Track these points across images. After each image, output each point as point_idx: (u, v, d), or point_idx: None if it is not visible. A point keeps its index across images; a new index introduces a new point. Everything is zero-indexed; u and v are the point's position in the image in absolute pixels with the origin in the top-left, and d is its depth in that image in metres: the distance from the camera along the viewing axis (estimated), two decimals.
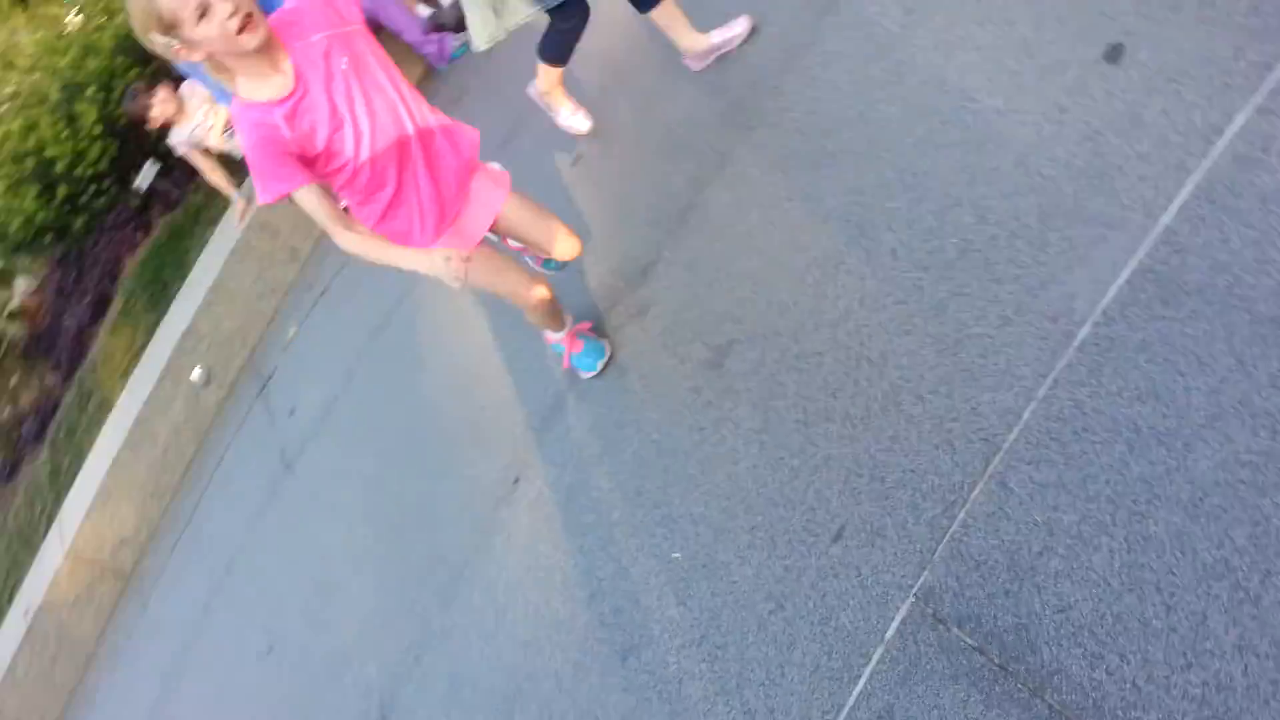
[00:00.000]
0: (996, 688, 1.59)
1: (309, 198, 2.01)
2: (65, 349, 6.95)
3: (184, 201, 6.42)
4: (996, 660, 1.62)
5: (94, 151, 6.06)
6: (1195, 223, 1.74)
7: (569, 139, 3.65)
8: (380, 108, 2.02)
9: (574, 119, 3.60)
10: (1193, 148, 1.83)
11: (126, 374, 5.79)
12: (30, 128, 5.99)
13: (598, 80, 3.74)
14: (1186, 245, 1.73)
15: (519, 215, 2.42)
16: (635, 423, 2.61)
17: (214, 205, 5.86)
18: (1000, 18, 2.35)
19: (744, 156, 2.84)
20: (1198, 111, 1.88)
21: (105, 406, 5.81)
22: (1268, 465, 1.46)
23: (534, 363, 3.13)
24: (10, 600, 5.46)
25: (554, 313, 2.70)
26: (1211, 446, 1.53)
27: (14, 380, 7.34)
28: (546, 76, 3.45)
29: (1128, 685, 1.46)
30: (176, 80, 5.18)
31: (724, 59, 3.19)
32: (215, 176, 5.34)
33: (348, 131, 1.98)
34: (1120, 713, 1.45)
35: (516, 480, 2.89)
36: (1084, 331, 1.79)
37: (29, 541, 5.77)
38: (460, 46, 5.05)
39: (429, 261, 2.10)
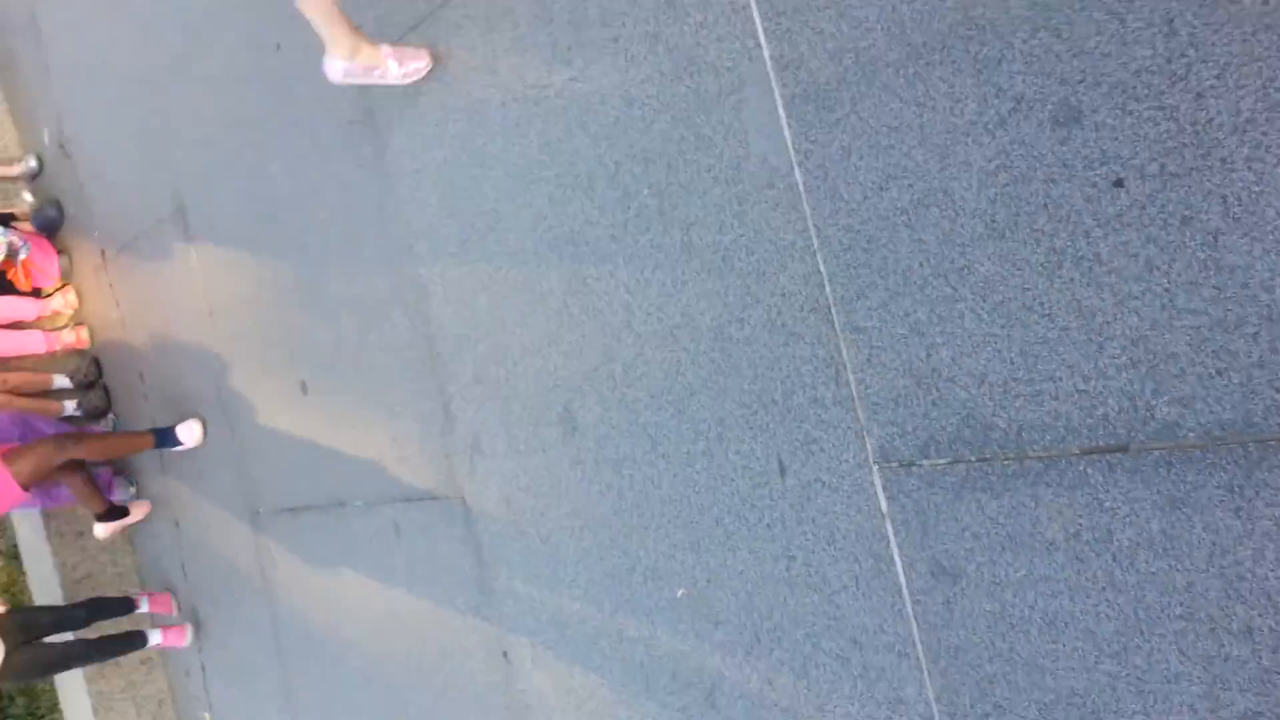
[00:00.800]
0: (992, 478, 1.70)
1: None
2: None
3: None
4: (974, 458, 1.72)
5: None
6: (786, 36, 1.84)
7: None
8: None
9: (409, 66, 2.66)
10: None
11: None
12: None
13: None
14: (799, 58, 1.83)
15: None
16: (555, 529, 2.60)
17: None
18: (495, 11, 2.40)
19: (425, 260, 2.82)
20: None
21: None
22: (1010, 160, 1.58)
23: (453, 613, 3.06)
24: None
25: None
26: (961, 179, 1.65)
27: None
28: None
29: (1075, 395, 1.58)
30: None
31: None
32: None
33: None
34: (1088, 421, 1.57)
35: (505, 654, 2.86)
36: (799, 175, 1.88)
37: None
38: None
39: None
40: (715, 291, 2.08)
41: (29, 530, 5.70)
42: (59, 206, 5.41)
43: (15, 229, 5.10)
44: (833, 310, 1.88)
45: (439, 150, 2.70)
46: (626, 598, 2.43)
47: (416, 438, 3.06)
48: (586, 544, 2.52)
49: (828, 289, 1.89)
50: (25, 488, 3.88)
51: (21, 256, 5.09)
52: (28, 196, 5.58)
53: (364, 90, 2.91)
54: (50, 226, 5.41)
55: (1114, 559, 1.57)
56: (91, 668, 5.34)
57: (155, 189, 4.38)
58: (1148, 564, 1.53)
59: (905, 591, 1.86)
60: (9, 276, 5.12)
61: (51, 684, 6.19)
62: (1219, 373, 1.42)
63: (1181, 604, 1.51)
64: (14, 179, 5.69)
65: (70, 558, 5.46)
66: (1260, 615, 1.43)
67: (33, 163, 5.64)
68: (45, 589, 5.65)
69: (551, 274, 2.45)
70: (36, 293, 5.34)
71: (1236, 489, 1.43)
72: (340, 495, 3.53)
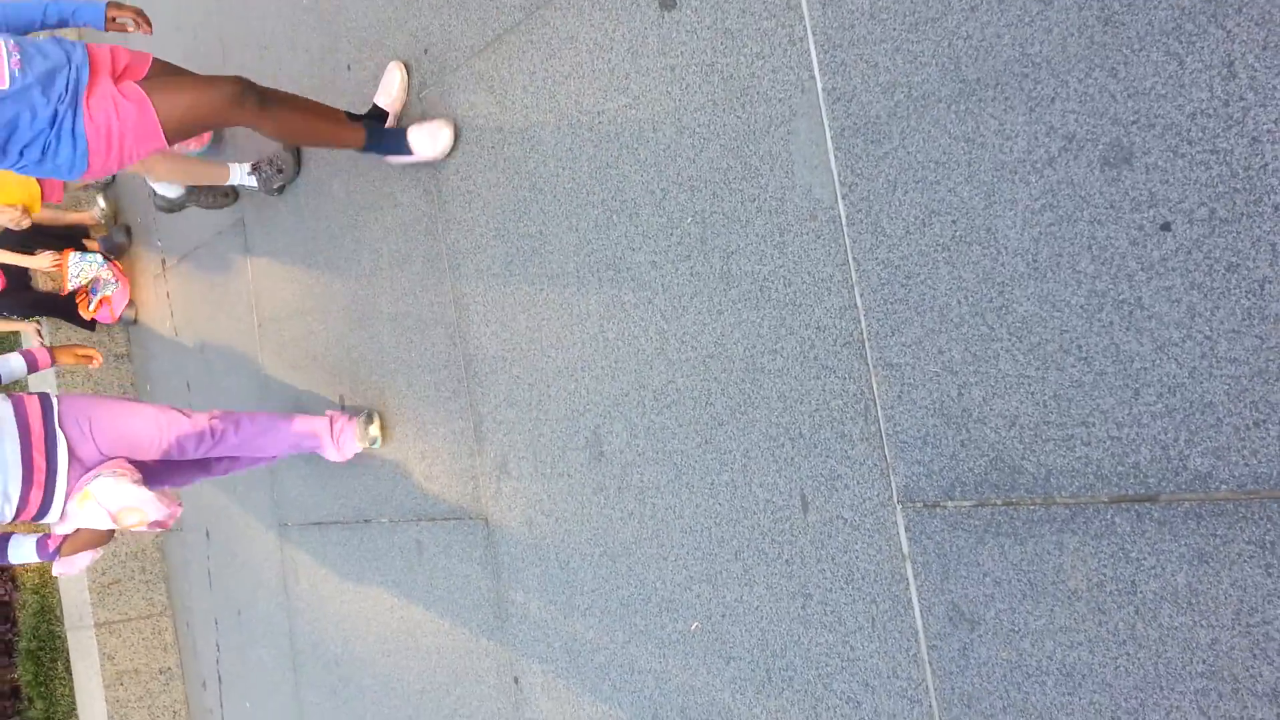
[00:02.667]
0: (1016, 523, 1.66)
1: None
2: None
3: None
4: (999, 502, 1.68)
5: None
6: (840, 69, 1.85)
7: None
8: None
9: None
10: (786, 19, 1.94)
11: None
12: None
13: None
14: (850, 90, 1.84)
15: None
16: (574, 555, 2.59)
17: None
18: (558, 38, 2.45)
19: (469, 279, 2.85)
20: None
21: None
22: (1056, 199, 1.57)
23: (458, 605, 3.05)
24: None
25: None
26: (1006, 217, 1.64)
27: None
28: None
29: (1107, 441, 1.54)
30: None
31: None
32: None
33: None
34: (1118, 469, 1.53)
35: (516, 679, 2.82)
36: (842, 208, 1.88)
37: None
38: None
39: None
40: (750, 321, 2.08)
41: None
42: (129, 232, 5.55)
43: (111, 264, 5.27)
44: (866, 345, 1.87)
45: (492, 172, 2.75)
46: (640, 628, 2.40)
47: (446, 456, 3.06)
48: (604, 572, 2.50)
49: (863, 323, 1.87)
50: (170, 138, 2.54)
51: (104, 294, 5.26)
52: (101, 203, 5.74)
53: (425, 112, 2.98)
54: (118, 251, 5.55)
55: (1137, 612, 1.52)
56: (111, 674, 5.37)
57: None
58: (1171, 618, 1.48)
59: (921, 636, 1.81)
60: (78, 300, 5.27)
61: (70, 689, 6.22)
62: (1256, 424, 1.39)
63: (1204, 662, 1.45)
64: (88, 185, 5.87)
65: (99, 563, 5.52)
66: None
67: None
68: (71, 595, 5.71)
69: (591, 298, 2.46)
70: (92, 325, 5.51)
71: (1268, 545, 1.38)
72: (367, 511, 3.54)
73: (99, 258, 5.22)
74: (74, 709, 6.27)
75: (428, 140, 2.90)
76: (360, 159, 3.33)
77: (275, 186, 3.79)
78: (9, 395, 2.86)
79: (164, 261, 5.20)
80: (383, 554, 3.44)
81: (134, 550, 5.57)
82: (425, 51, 2.97)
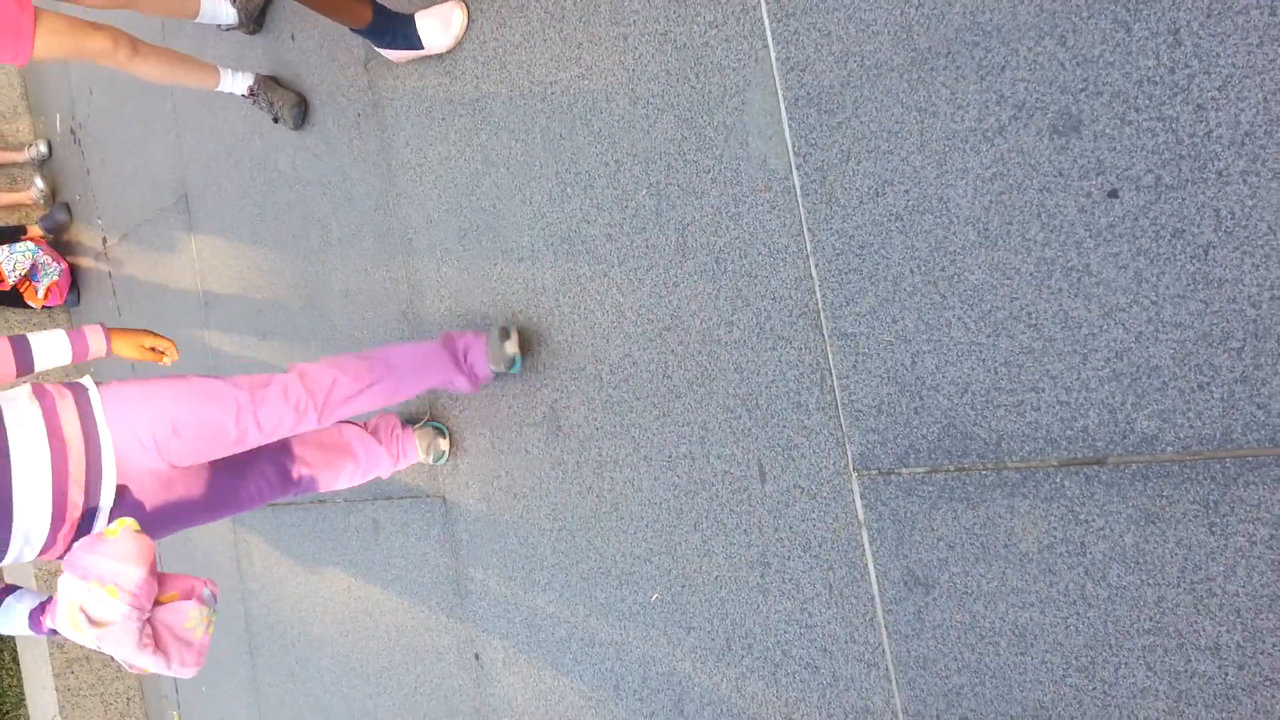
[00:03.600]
0: (969, 488, 1.69)
1: None
2: None
3: None
4: (952, 467, 1.71)
5: None
6: (794, 39, 1.85)
7: None
8: None
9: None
10: None
11: None
12: None
13: None
14: (804, 60, 1.84)
15: None
16: (532, 530, 2.58)
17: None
18: (509, 7, 2.43)
19: (422, 255, 2.83)
20: None
21: None
22: (1006, 168, 1.59)
23: (426, 601, 3.04)
24: None
25: None
26: (957, 185, 1.66)
27: None
28: None
29: (1057, 406, 1.57)
30: None
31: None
32: None
33: None
34: (1067, 433, 1.56)
35: (477, 656, 2.82)
36: (796, 179, 1.89)
37: None
38: None
39: None
40: (707, 293, 2.08)
41: None
42: (69, 209, 5.43)
43: (44, 247, 5.14)
44: (821, 315, 1.88)
45: (443, 145, 2.72)
46: (600, 601, 2.41)
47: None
48: (563, 546, 2.50)
49: (818, 294, 1.88)
50: None
51: (51, 279, 5.14)
52: (39, 182, 5.60)
53: (372, 83, 2.93)
54: (58, 229, 5.43)
55: (1086, 572, 1.55)
56: (60, 663, 5.29)
57: (161, 178, 4.39)
58: (1119, 578, 1.52)
59: (878, 601, 1.84)
60: (22, 291, 5.14)
61: (18, 679, 6.12)
62: (1201, 387, 1.42)
63: (1151, 619, 1.49)
64: (23, 164, 5.72)
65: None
66: (1228, 632, 1.42)
67: (43, 148, 5.66)
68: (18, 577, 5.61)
69: (546, 272, 2.45)
70: (47, 311, 5.42)
71: (1212, 504, 1.42)
72: (322, 492, 3.51)
73: (29, 245, 5.10)
74: (23, 699, 6.18)
75: (438, 29, 2.57)
76: (305, 131, 3.27)
77: (273, 118, 3.39)
78: (38, 391, 2.02)
79: (104, 240, 5.09)
80: (339, 534, 3.42)
81: None
82: None
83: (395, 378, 2.35)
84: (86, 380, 2.07)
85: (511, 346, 2.47)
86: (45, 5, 2.83)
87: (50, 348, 2.10)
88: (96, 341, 2.17)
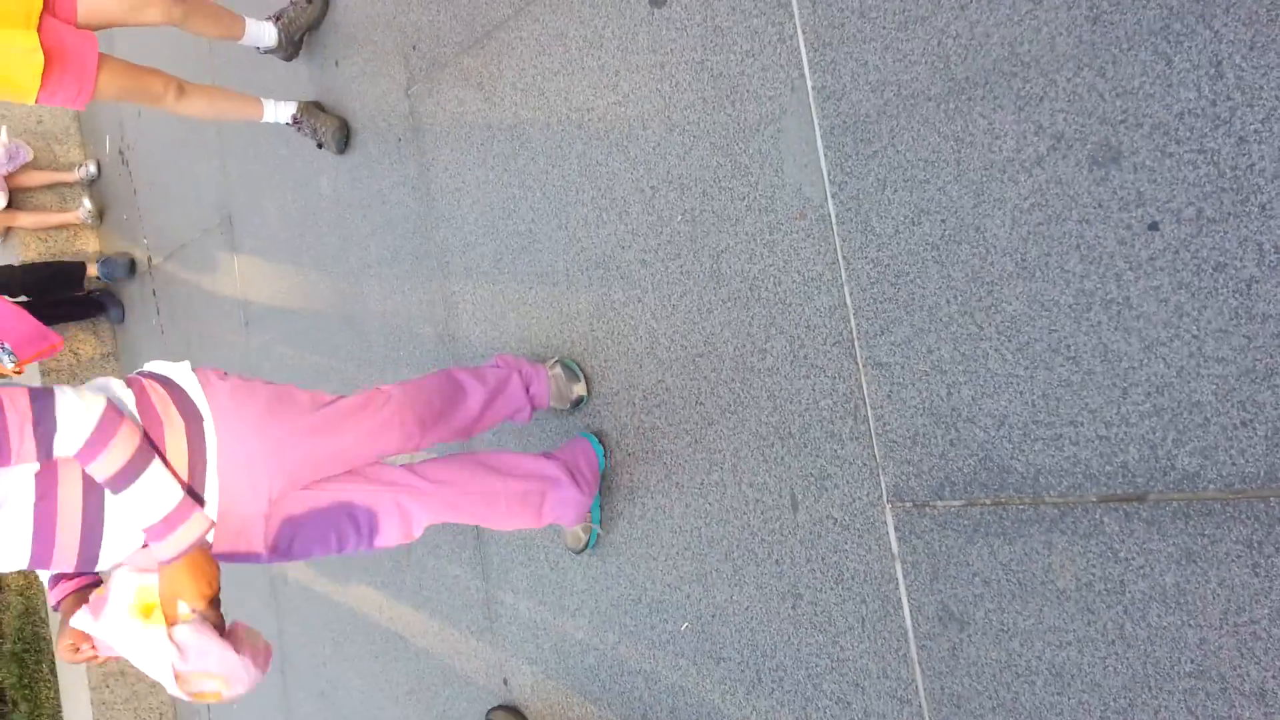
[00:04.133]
0: (1006, 523, 1.66)
1: None
2: None
3: None
4: (988, 501, 1.68)
5: None
6: (830, 68, 1.85)
7: None
8: None
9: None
10: (776, 16, 1.93)
11: None
12: None
13: None
14: (840, 89, 1.84)
15: None
16: (563, 555, 2.58)
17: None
18: (548, 34, 2.44)
19: (458, 277, 2.84)
20: None
21: None
22: (1045, 199, 1.57)
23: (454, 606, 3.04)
24: None
25: None
26: (995, 216, 1.64)
27: None
28: None
29: (1096, 441, 1.54)
30: None
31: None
32: None
33: None
34: (1106, 469, 1.53)
35: (505, 681, 2.81)
36: (831, 207, 1.88)
37: None
38: None
39: None
40: (740, 321, 2.07)
41: None
42: (132, 267, 5.35)
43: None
44: (856, 344, 1.87)
45: (481, 170, 2.74)
46: (630, 629, 2.39)
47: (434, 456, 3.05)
48: (594, 572, 2.49)
49: (852, 322, 1.87)
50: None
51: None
52: (87, 203, 5.71)
53: (413, 109, 2.97)
54: (114, 281, 5.46)
55: (1125, 611, 1.52)
56: (97, 676, 5.34)
57: (205, 199, 4.47)
58: (1160, 618, 1.48)
59: (911, 636, 1.81)
60: None
61: (55, 692, 6.19)
62: (1244, 424, 1.39)
63: (1192, 661, 1.45)
64: (72, 184, 5.84)
65: None
66: (1274, 677, 1.38)
67: (92, 168, 5.78)
68: None
69: (580, 296, 2.45)
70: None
71: (1255, 545, 1.38)
72: None
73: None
74: (59, 712, 6.24)
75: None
76: (347, 155, 3.31)
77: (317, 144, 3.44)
78: (132, 381, 1.77)
79: (149, 260, 5.18)
80: (371, 556, 3.43)
81: None
82: (414, 48, 2.96)
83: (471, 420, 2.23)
84: (200, 402, 1.77)
85: (580, 388, 2.44)
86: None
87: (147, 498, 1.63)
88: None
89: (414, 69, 2.96)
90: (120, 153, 5.50)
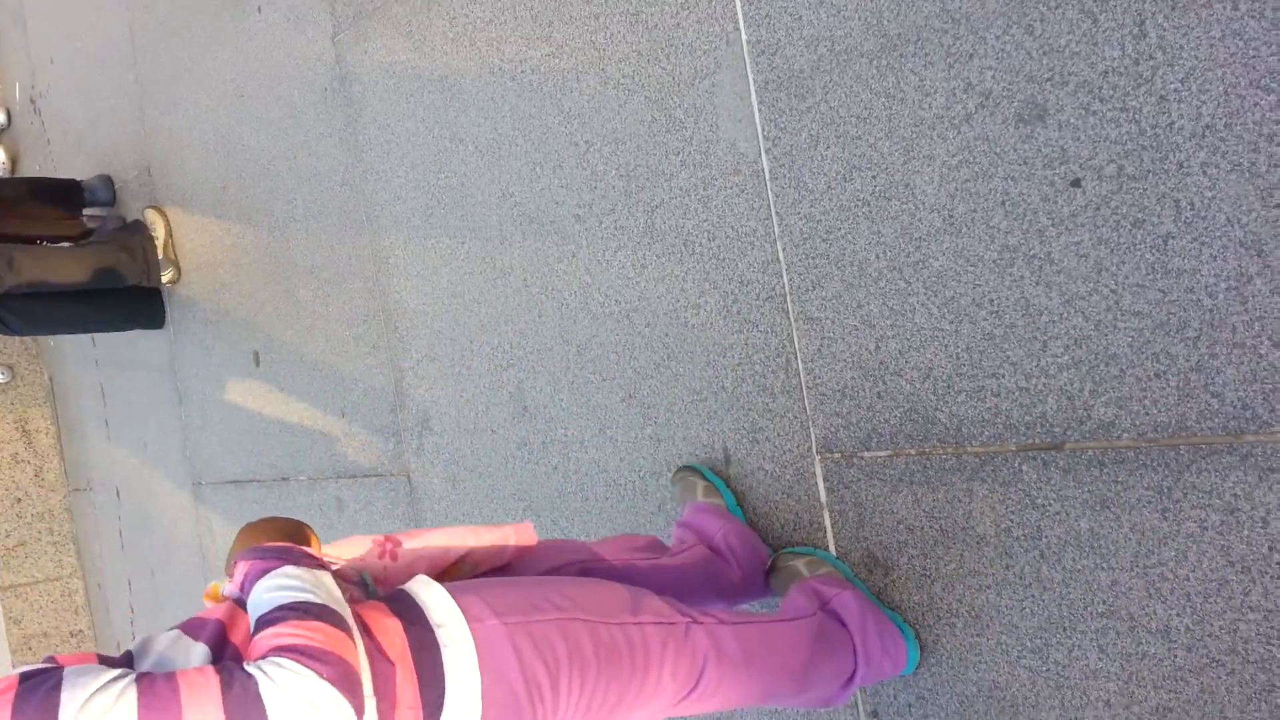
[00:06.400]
0: (930, 472, 1.71)
1: None
2: None
3: None
4: (913, 451, 1.73)
5: None
6: (765, 21, 1.85)
7: None
8: None
9: None
10: None
11: None
12: None
13: None
14: (775, 43, 1.84)
15: None
16: (498, 511, 2.59)
17: None
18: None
19: (388, 231, 2.81)
20: None
21: None
22: (972, 156, 1.60)
23: None
24: None
25: None
26: (924, 172, 1.67)
27: None
28: None
29: (1016, 392, 1.59)
30: None
31: None
32: None
33: None
34: (1026, 419, 1.58)
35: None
36: (765, 162, 1.89)
37: None
38: None
39: None
40: (674, 276, 2.08)
41: None
42: (110, 185, 4.68)
43: None
44: (788, 299, 1.89)
45: (411, 121, 2.70)
46: None
47: (366, 413, 3.03)
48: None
49: (785, 278, 1.89)
50: None
51: None
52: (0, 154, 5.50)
53: (340, 57, 2.91)
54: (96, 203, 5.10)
55: (1041, 555, 1.58)
56: (17, 638, 5.22)
57: (123, 149, 4.33)
58: (1074, 561, 1.54)
59: None
60: None
61: None
62: (1157, 375, 1.44)
63: (1104, 602, 1.52)
64: None
65: (3, 525, 5.35)
66: (1178, 615, 1.45)
67: (1, 117, 5.56)
68: None
69: (514, 251, 2.44)
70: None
71: (1165, 490, 1.44)
72: (285, 470, 3.49)
73: None
74: None
75: None
76: (271, 105, 3.24)
77: None
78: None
79: None
80: (302, 511, 3.40)
81: (40, 511, 5.41)
82: None
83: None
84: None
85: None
86: None
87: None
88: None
89: (340, 16, 2.90)
90: (32, 100, 5.29)
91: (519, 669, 1.26)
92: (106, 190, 4.65)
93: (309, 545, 1.37)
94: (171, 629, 1.20)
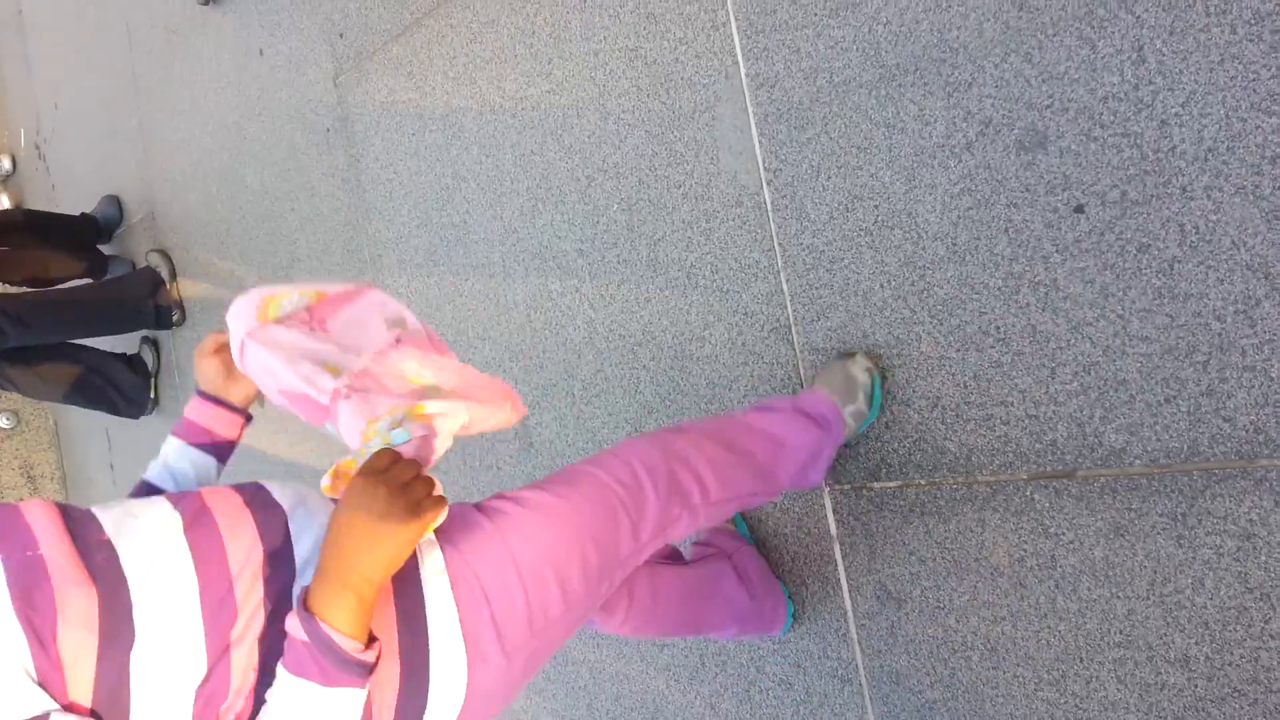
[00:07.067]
0: (940, 502, 1.69)
1: None
2: None
3: None
4: (923, 481, 1.71)
5: None
6: (763, 55, 1.86)
7: None
8: None
9: None
10: (709, 3, 1.93)
11: None
12: None
13: None
14: (774, 76, 1.85)
15: None
16: None
17: None
18: (479, 22, 2.42)
19: (392, 271, 2.81)
20: None
21: None
22: (974, 184, 1.60)
23: None
24: None
25: None
26: (926, 201, 1.66)
27: None
28: None
29: (1025, 420, 1.58)
30: None
31: None
32: None
33: None
34: (1036, 447, 1.57)
35: None
36: (767, 194, 1.89)
37: None
38: None
39: None
40: (678, 309, 2.08)
41: None
42: (118, 204, 4.63)
43: None
44: (793, 330, 1.88)
45: (413, 160, 2.71)
46: None
47: None
48: None
49: (789, 309, 1.89)
50: None
51: None
52: (3, 200, 5.53)
53: (342, 98, 2.92)
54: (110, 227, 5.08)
55: (1056, 585, 1.56)
56: None
57: (127, 193, 4.35)
58: (1090, 591, 1.52)
59: (850, 616, 1.84)
60: None
61: None
62: (1167, 400, 1.43)
63: (1121, 631, 1.50)
64: None
65: None
66: (1197, 644, 1.42)
67: (6, 164, 5.60)
68: None
69: (517, 287, 2.44)
70: None
71: (1179, 517, 1.43)
72: None
73: None
74: None
75: None
76: (274, 146, 3.25)
77: None
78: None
79: None
80: None
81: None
82: (341, 36, 2.91)
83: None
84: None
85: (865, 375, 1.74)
86: None
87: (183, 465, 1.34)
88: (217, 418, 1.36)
89: (341, 57, 2.92)
90: (36, 147, 5.33)
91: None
92: (113, 207, 4.62)
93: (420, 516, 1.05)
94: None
